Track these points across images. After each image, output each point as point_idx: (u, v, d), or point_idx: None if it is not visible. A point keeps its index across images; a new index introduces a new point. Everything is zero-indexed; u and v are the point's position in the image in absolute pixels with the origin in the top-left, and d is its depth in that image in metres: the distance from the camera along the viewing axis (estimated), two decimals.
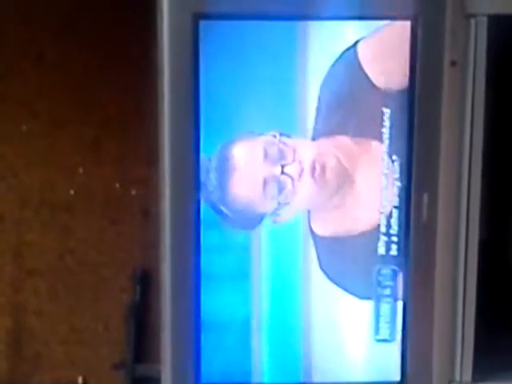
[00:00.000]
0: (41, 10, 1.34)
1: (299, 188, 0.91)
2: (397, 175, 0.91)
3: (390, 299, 0.93)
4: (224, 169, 0.90)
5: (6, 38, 1.35)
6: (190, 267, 0.91)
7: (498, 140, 1.04)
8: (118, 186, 1.39)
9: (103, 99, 1.36)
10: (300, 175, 0.91)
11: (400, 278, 0.93)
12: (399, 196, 0.92)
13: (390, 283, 0.93)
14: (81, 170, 1.39)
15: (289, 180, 0.91)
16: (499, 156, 1.10)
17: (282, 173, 0.90)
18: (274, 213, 0.91)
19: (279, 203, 0.91)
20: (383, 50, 0.90)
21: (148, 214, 1.37)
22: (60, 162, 1.38)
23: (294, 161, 0.91)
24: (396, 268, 0.93)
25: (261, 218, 0.92)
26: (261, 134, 0.90)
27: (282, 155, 0.90)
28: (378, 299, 0.93)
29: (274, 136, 0.90)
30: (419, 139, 0.90)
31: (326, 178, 0.91)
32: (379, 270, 0.93)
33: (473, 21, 0.90)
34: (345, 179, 0.91)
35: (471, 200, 0.93)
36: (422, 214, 0.91)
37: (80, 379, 1.43)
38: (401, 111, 0.90)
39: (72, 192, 1.39)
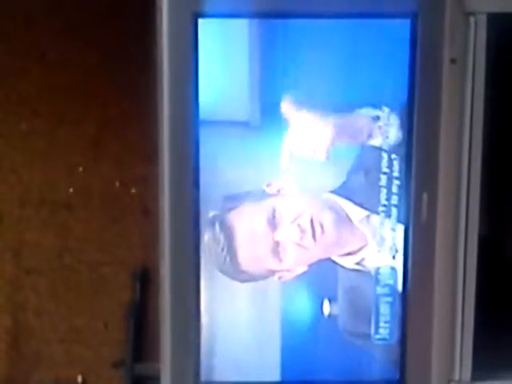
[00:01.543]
0: (43, 11, 1.34)
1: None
2: (396, 174, 0.91)
3: (389, 298, 0.93)
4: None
5: (9, 38, 1.35)
6: (190, 265, 0.91)
7: (498, 138, 1.04)
8: (117, 184, 1.39)
9: (103, 98, 1.36)
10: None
11: (399, 276, 0.93)
12: (398, 195, 0.92)
13: (390, 282, 0.93)
14: (80, 169, 1.39)
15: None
16: (498, 154, 1.09)
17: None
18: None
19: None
20: None
21: (148, 212, 1.37)
22: (60, 161, 1.38)
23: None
24: (395, 267, 0.92)
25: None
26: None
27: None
28: (377, 298, 0.93)
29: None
30: (418, 138, 0.90)
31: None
32: (378, 269, 0.93)
33: (472, 19, 0.90)
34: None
35: (470, 199, 0.93)
36: (421, 212, 0.91)
37: (79, 378, 1.43)
38: (399, 110, 0.90)
39: (72, 190, 1.39)
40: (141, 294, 1.40)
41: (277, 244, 0.91)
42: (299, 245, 0.91)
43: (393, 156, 0.91)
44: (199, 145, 0.89)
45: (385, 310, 0.93)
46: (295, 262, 0.91)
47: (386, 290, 0.93)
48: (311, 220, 0.91)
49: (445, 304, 0.93)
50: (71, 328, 1.42)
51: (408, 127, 0.90)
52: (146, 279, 1.40)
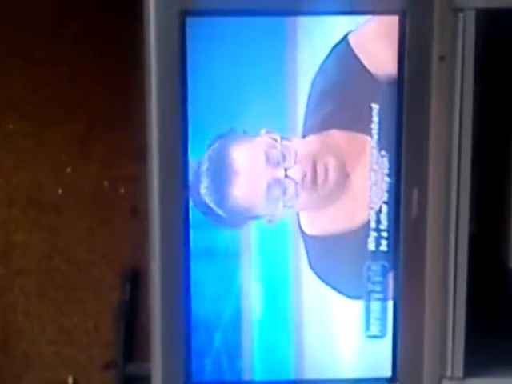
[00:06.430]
0: (28, 8, 1.33)
1: (301, 191, 0.91)
2: (386, 170, 0.91)
3: (380, 295, 0.93)
4: (221, 171, 0.90)
5: None
6: (180, 265, 0.91)
7: (487, 134, 1.04)
8: (106, 184, 1.39)
9: (91, 98, 1.36)
10: (303, 180, 0.91)
11: (390, 273, 0.93)
12: (389, 191, 0.92)
13: (380, 279, 0.93)
14: (69, 169, 1.38)
15: (292, 184, 0.90)
16: (489, 150, 1.10)
17: (286, 176, 0.90)
18: (272, 215, 0.91)
19: (281, 207, 0.91)
20: (375, 38, 0.90)
21: (137, 212, 1.37)
22: (48, 161, 1.38)
23: (295, 163, 0.90)
24: (386, 264, 0.92)
25: (257, 217, 0.91)
26: (255, 135, 0.90)
27: (283, 158, 0.90)
28: (368, 295, 0.93)
29: (275, 139, 0.90)
30: (408, 134, 0.90)
31: (328, 181, 0.91)
32: (369, 266, 0.93)
33: (461, 15, 0.90)
34: (342, 178, 0.91)
35: (461, 194, 0.93)
36: (411, 209, 0.91)
37: (70, 379, 1.43)
38: (389, 106, 0.90)
39: (60, 191, 1.39)
40: (130, 294, 1.40)
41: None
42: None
43: (382, 152, 0.91)
44: (188, 144, 0.89)
45: (375, 306, 0.93)
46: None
47: (377, 287, 0.93)
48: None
49: (436, 300, 0.93)
50: (61, 329, 1.41)
51: (397, 124, 0.90)
52: (135, 279, 1.39)
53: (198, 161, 0.89)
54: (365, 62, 0.89)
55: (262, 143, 0.90)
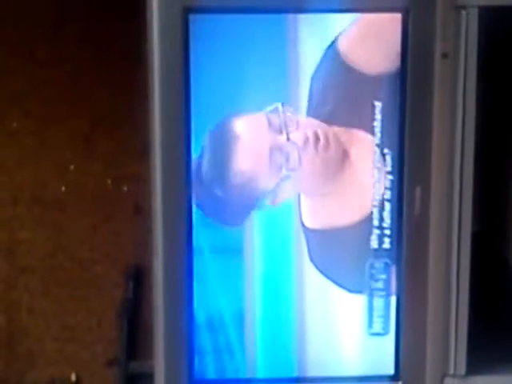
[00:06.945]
0: (31, 7, 1.33)
1: (304, 157, 0.90)
2: (389, 168, 0.91)
3: (382, 293, 0.93)
4: (223, 142, 0.89)
5: None
6: (183, 263, 0.91)
7: (490, 132, 1.04)
8: (109, 182, 1.39)
9: (94, 96, 1.36)
10: (305, 144, 0.90)
11: (393, 271, 0.93)
12: (391, 189, 0.92)
13: (383, 276, 0.93)
14: (72, 167, 1.38)
15: (294, 148, 0.90)
16: (491, 148, 1.10)
17: (288, 140, 0.90)
18: (274, 190, 0.91)
19: (284, 175, 0.90)
20: (364, 38, 0.90)
21: (140, 210, 1.37)
22: (51, 159, 1.38)
23: (297, 129, 0.90)
24: (389, 261, 0.92)
25: (258, 198, 0.91)
26: None
27: (285, 124, 0.89)
28: (370, 293, 0.93)
29: (277, 109, 0.89)
30: (411, 132, 0.90)
31: (330, 150, 0.90)
32: (372, 264, 0.93)
33: (463, 12, 0.90)
34: (342, 155, 0.91)
35: (464, 192, 0.93)
36: (414, 207, 0.91)
37: (73, 376, 1.43)
38: (392, 104, 0.90)
39: (63, 189, 1.39)
40: (134, 291, 1.40)
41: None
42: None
43: (385, 150, 0.91)
44: (191, 141, 0.89)
45: (378, 304, 0.93)
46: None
47: (380, 284, 0.93)
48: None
49: (439, 298, 0.93)
50: (64, 326, 1.42)
51: (400, 121, 0.90)
52: (138, 277, 1.39)
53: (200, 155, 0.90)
54: (354, 65, 0.89)
55: (264, 112, 0.90)
